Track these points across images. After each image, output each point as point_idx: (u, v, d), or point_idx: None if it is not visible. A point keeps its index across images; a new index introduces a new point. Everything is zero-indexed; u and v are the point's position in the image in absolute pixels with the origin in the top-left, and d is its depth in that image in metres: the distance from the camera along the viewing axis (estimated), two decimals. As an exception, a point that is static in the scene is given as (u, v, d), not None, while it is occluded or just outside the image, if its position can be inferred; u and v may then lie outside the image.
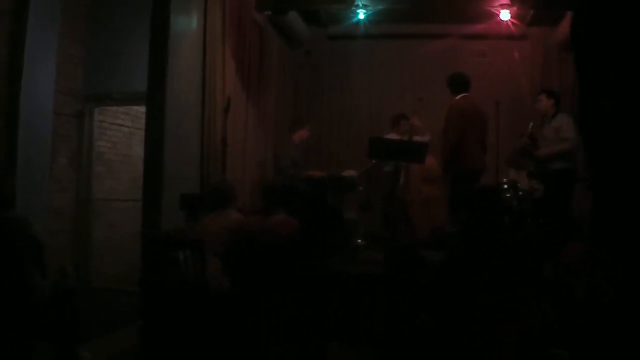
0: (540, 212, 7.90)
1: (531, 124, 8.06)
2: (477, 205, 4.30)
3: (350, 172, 8.84)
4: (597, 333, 4.94)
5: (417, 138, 8.26)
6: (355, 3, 9.02)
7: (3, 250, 4.44)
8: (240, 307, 5.00)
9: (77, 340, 4.85)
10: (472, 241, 4.14)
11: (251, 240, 5.22)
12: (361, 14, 9.59)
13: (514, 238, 4.30)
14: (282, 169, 8.70)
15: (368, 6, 9.38)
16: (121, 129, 9.76)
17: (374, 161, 8.56)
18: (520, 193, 8.16)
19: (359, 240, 8.43)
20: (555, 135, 7.55)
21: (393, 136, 8.93)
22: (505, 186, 8.21)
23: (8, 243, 4.48)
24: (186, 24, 7.20)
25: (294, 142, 9.04)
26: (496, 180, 8.04)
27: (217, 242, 5.30)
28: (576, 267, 5.35)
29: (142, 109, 7.84)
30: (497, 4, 9.23)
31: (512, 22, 9.76)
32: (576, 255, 5.70)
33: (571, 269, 5.25)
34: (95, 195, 9.13)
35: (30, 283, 4.55)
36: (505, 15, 9.40)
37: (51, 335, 4.67)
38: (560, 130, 7.53)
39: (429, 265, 5.85)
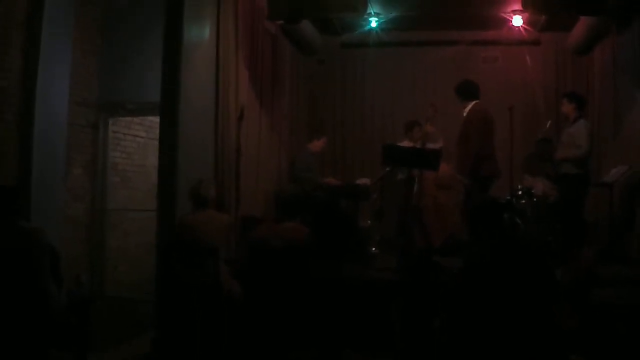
0: (555, 217, 7.87)
1: (549, 122, 8.02)
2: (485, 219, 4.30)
3: (364, 180, 8.85)
4: (615, 339, 4.91)
5: (430, 145, 8.25)
6: (368, 11, 9.01)
7: (20, 260, 4.47)
8: (254, 313, 5.01)
9: (87, 348, 4.87)
10: (488, 247, 4.13)
11: (261, 246, 5.23)
12: (373, 22, 9.61)
13: (529, 244, 4.28)
14: (299, 176, 8.71)
15: (380, 14, 9.41)
16: (135, 140, 9.79)
17: (387, 169, 8.55)
18: (534, 199, 8.14)
19: (374, 248, 8.42)
20: (571, 141, 7.52)
21: (406, 143, 8.92)
22: (520, 192, 8.18)
23: (24, 253, 4.51)
24: (199, 34, 7.22)
25: (310, 151, 9.04)
26: (510, 187, 8.01)
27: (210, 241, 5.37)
28: (589, 271, 5.33)
29: (156, 119, 7.85)
30: (509, 10, 9.22)
31: (525, 28, 9.75)
32: (589, 259, 5.68)
33: (584, 273, 5.23)
34: (110, 205, 9.17)
35: (47, 292, 4.57)
36: (517, 21, 9.39)
37: (65, 344, 4.68)
38: (575, 136, 7.49)
39: (444, 272, 5.85)
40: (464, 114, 7.91)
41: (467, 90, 7.95)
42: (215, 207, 6.22)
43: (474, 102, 7.86)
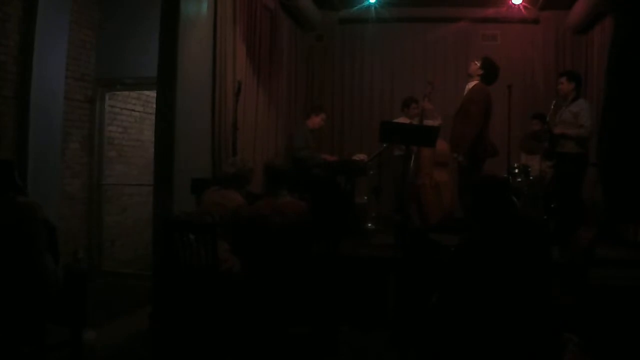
0: (551, 196, 7.86)
1: (554, 102, 7.94)
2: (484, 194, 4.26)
3: (361, 156, 8.82)
4: (610, 319, 4.93)
5: (427, 122, 8.24)
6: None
7: (16, 236, 4.46)
8: (251, 290, 5.01)
9: (84, 324, 4.88)
10: (483, 225, 4.13)
11: (262, 222, 5.20)
12: (373, -3, 9.58)
13: (525, 223, 4.28)
14: (296, 150, 8.67)
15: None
16: (132, 114, 9.77)
17: (385, 145, 8.54)
18: (531, 178, 8.14)
19: (370, 224, 8.44)
20: (574, 120, 7.40)
21: (404, 120, 8.91)
22: (517, 171, 8.18)
23: (21, 228, 4.50)
24: (196, 9, 7.18)
25: (307, 127, 9.01)
26: (507, 165, 8.00)
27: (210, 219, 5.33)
28: (587, 251, 5.35)
29: (152, 94, 7.82)
30: (509, -13, 9.20)
31: (524, 6, 9.72)
32: (587, 240, 5.69)
33: (582, 253, 5.25)
34: (107, 180, 9.16)
35: (43, 267, 4.57)
36: (517, -2, 9.37)
37: (62, 319, 4.70)
38: (579, 115, 7.37)
39: (439, 249, 5.86)
40: (467, 90, 7.85)
41: (491, 71, 7.86)
42: (238, 187, 6.07)
43: (477, 82, 7.78)
